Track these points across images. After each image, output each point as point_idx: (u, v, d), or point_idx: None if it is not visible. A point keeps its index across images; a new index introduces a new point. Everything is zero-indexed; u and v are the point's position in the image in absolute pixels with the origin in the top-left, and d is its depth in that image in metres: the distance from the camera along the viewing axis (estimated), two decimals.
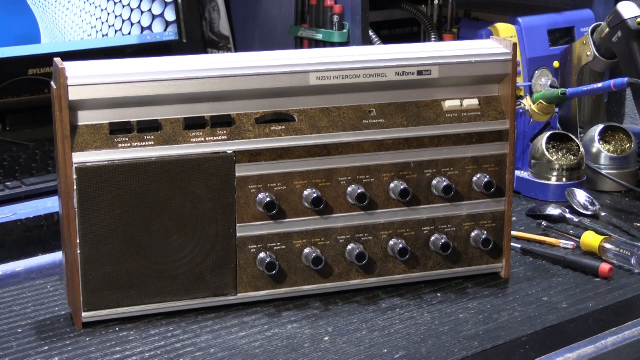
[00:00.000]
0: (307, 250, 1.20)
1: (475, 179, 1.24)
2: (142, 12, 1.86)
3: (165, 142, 1.13)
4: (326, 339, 1.12)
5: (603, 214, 1.48)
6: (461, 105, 1.23)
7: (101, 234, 1.12)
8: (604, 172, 1.59)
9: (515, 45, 1.24)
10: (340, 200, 1.20)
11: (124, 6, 1.84)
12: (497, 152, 1.25)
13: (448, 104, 1.23)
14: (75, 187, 1.11)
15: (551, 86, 1.76)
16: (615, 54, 1.66)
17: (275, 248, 1.19)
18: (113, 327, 1.14)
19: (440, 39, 1.80)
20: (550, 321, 1.16)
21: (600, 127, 1.63)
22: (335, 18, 1.72)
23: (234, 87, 1.15)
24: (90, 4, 1.81)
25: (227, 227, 1.16)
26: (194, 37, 1.99)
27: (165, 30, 1.88)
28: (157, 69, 1.14)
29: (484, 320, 1.16)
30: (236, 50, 2.00)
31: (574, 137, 1.59)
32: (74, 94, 1.10)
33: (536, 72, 1.78)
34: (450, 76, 1.22)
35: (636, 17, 1.61)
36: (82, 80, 1.10)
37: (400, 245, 1.22)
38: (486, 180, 1.23)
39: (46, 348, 1.10)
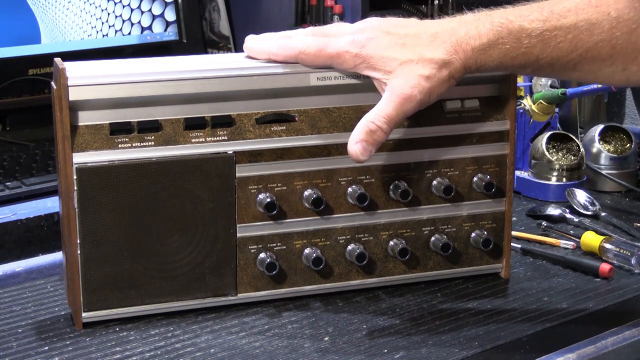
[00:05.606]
0: (307, 251, 1.19)
1: (475, 179, 1.24)
2: (142, 12, 1.86)
3: (166, 143, 1.13)
4: (326, 339, 1.12)
5: (603, 214, 1.48)
6: (461, 105, 1.23)
7: (101, 234, 1.12)
8: (604, 172, 1.59)
9: None
10: (341, 201, 1.20)
11: (124, 6, 1.84)
12: (498, 152, 1.25)
13: (448, 105, 1.23)
14: (75, 187, 1.11)
15: (551, 86, 1.76)
16: None
17: (275, 248, 1.19)
18: (113, 327, 1.14)
19: None
20: (550, 321, 1.16)
21: (600, 127, 1.63)
22: (335, 18, 1.72)
23: (234, 87, 1.15)
24: (90, 4, 1.81)
25: (227, 227, 1.16)
26: (194, 37, 1.99)
27: (165, 30, 1.88)
28: (157, 69, 1.14)
29: (484, 320, 1.16)
30: (236, 50, 2.00)
31: (574, 137, 1.59)
32: (74, 94, 1.10)
33: None
34: None
35: None
36: (82, 80, 1.10)
37: (401, 246, 1.21)
38: (486, 180, 1.23)
39: (46, 348, 1.10)
